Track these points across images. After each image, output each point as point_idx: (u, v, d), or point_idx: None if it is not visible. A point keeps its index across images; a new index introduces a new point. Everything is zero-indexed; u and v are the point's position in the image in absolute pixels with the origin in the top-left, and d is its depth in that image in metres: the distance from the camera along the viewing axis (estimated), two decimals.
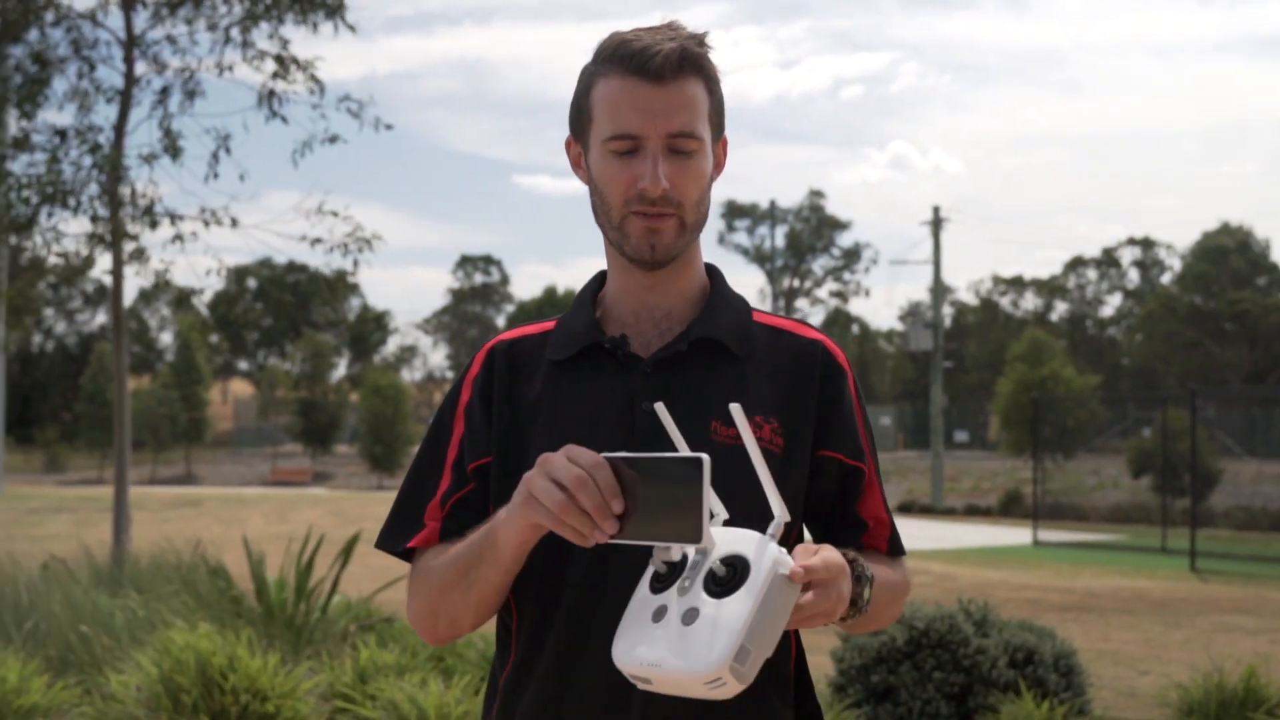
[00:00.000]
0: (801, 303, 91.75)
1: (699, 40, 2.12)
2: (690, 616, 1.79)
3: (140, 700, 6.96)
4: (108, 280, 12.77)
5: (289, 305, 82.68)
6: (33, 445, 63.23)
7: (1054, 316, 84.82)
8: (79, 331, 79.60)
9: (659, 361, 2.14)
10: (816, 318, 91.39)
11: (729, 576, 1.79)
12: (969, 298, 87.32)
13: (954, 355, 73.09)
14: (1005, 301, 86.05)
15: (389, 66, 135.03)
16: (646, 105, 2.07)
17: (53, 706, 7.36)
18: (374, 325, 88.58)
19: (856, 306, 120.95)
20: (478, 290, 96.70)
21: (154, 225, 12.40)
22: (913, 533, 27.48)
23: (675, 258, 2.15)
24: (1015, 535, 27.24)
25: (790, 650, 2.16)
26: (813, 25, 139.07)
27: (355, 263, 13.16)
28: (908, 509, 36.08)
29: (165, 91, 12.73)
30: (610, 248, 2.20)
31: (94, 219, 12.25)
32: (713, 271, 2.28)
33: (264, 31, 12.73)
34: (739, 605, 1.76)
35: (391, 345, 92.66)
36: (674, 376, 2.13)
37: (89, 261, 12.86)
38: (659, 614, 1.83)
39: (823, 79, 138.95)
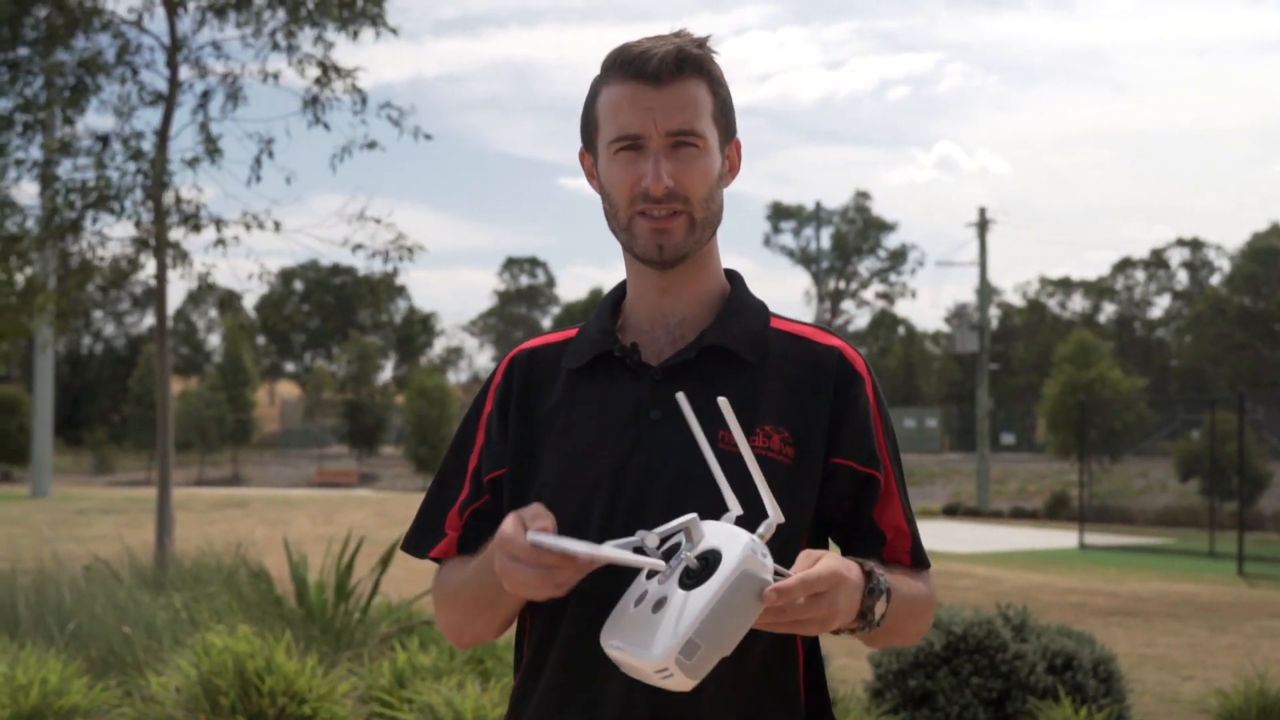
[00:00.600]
0: (847, 304, 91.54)
1: (699, 43, 2.15)
2: (659, 605, 1.82)
3: (179, 702, 7.00)
4: (155, 283, 12.87)
5: (329, 306, 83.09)
6: (82, 447, 63.74)
7: (1102, 318, 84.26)
8: (127, 334, 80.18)
9: (668, 370, 2.15)
10: (862, 319, 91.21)
11: (700, 570, 1.81)
12: (1016, 299, 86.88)
13: (1000, 357, 72.74)
14: (1053, 303, 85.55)
15: (435, 69, 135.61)
16: (646, 105, 2.10)
17: (93, 708, 7.41)
18: (420, 327, 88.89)
19: (903, 308, 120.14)
20: (523, 292, 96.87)
21: (198, 229, 12.48)
22: (957, 535, 27.43)
23: (686, 257, 2.15)
24: (1061, 538, 27.08)
25: (798, 662, 2.14)
26: (859, 26, 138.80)
27: (395, 270, 13.23)
28: (953, 511, 35.94)
29: (206, 95, 12.80)
30: (626, 253, 2.22)
31: (138, 223, 12.34)
32: (733, 277, 2.28)
33: (308, 36, 12.80)
34: (697, 600, 1.78)
35: (438, 347, 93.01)
36: (682, 385, 2.10)
37: (135, 266, 12.95)
38: (640, 599, 1.87)
39: (869, 80, 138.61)
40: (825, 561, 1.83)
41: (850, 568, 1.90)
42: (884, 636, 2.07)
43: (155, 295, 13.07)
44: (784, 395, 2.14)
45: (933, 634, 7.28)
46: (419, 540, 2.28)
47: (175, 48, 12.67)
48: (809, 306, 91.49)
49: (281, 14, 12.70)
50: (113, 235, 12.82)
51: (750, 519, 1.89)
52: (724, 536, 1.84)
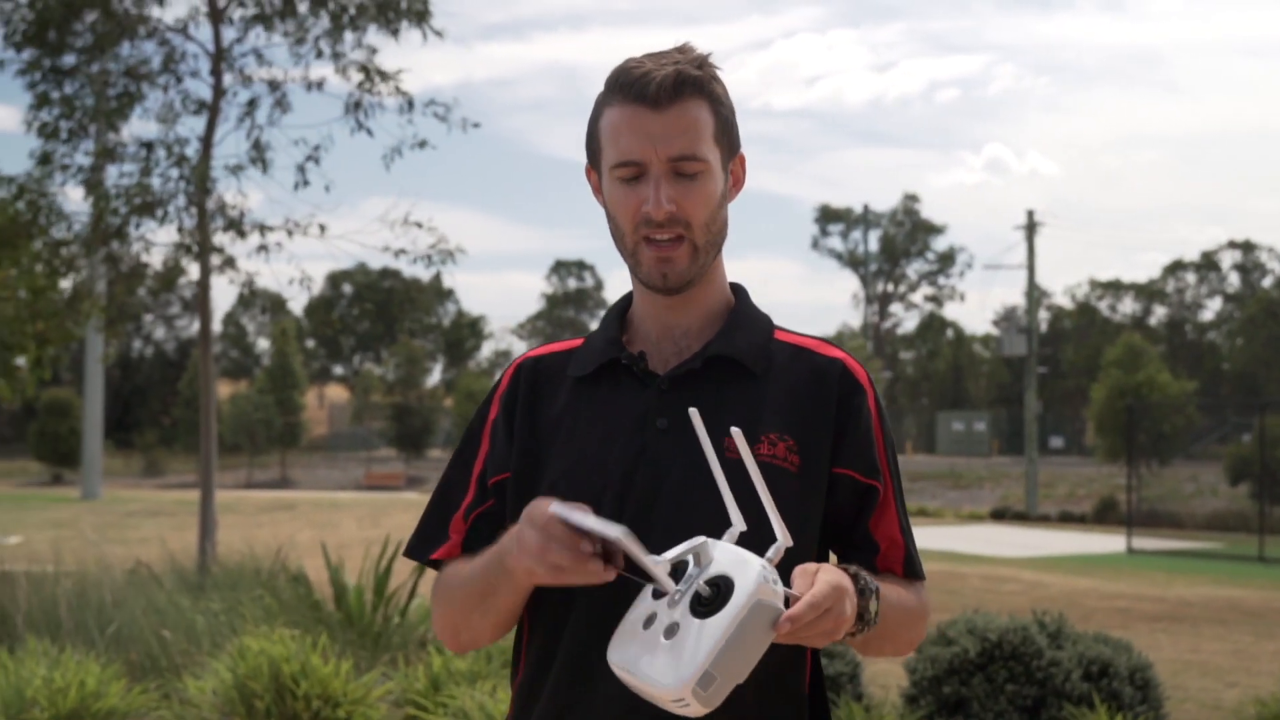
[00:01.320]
0: (896, 307, 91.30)
1: (699, 62, 2.14)
2: (671, 631, 1.82)
3: (215, 705, 7.05)
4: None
5: (370, 312, 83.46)
6: (132, 449, 64.26)
7: (1152, 321, 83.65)
8: (177, 337, 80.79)
9: (674, 379, 2.16)
10: (910, 322, 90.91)
11: (712, 598, 1.81)
12: (1065, 302, 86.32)
13: (1049, 360, 72.29)
14: (1103, 306, 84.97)
15: (485, 73, 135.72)
16: (646, 131, 2.10)
17: (130, 710, 7.46)
18: (469, 330, 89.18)
19: (951, 311, 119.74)
20: (572, 295, 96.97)
21: (243, 235, 12.55)
22: (1004, 540, 27.31)
23: (691, 283, 2.17)
24: (1109, 543, 26.91)
25: (805, 667, 2.16)
26: (908, 28, 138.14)
27: (438, 273, 13.29)
28: (1000, 515, 35.78)
29: (253, 103, 12.88)
30: (630, 273, 2.23)
31: (181, 229, 12.44)
32: (737, 290, 2.30)
33: (350, 42, 12.86)
34: (712, 631, 1.78)
35: (486, 350, 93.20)
36: (688, 394, 2.13)
37: (177, 271, 13.05)
38: (649, 620, 1.87)
39: (918, 82, 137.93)
40: (824, 576, 1.85)
41: (843, 575, 1.91)
42: (876, 643, 2.09)
43: (200, 300, 13.15)
44: (788, 405, 2.15)
45: (967, 640, 7.25)
46: (422, 545, 2.29)
47: (220, 56, 12.76)
48: (857, 309, 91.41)
49: (325, 20, 12.76)
50: (156, 241, 12.91)
51: (755, 533, 1.90)
52: (733, 561, 1.84)
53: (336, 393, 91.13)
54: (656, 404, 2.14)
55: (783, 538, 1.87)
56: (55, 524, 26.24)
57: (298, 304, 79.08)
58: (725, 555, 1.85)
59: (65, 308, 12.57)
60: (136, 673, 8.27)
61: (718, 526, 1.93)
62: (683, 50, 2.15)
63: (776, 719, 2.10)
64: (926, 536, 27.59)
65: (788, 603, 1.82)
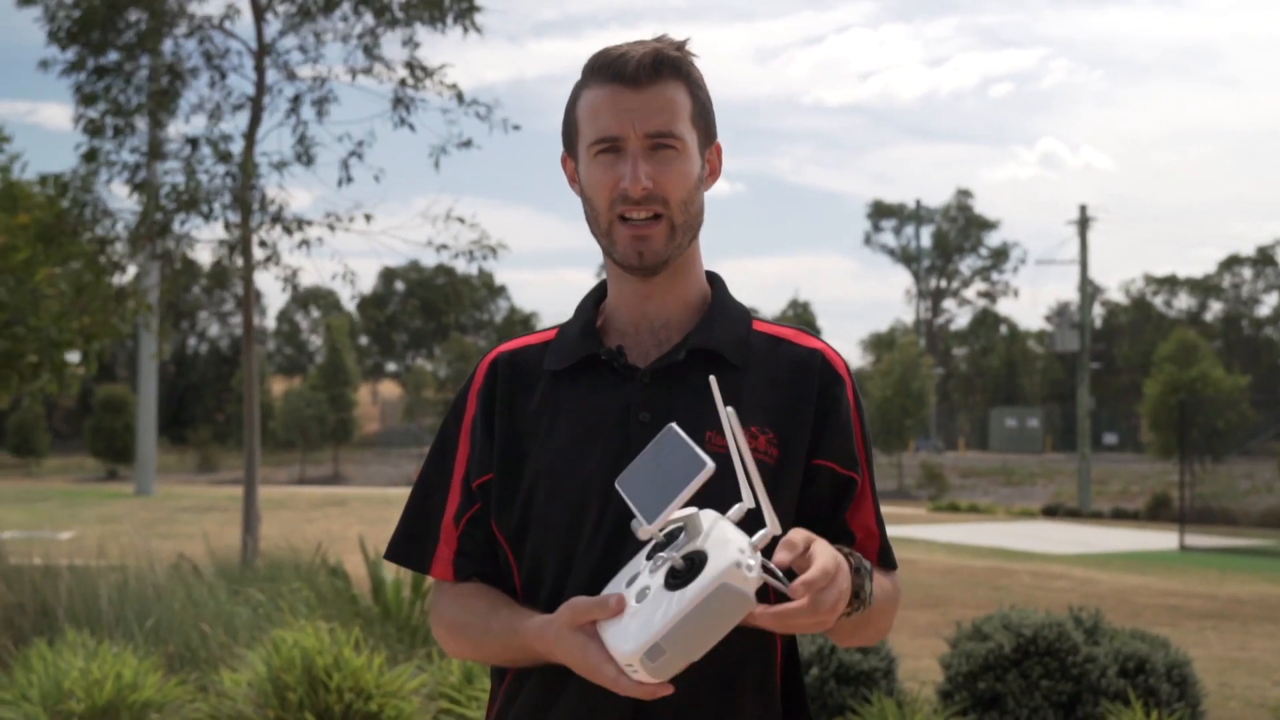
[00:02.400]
0: (949, 303, 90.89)
1: (678, 46, 2.15)
2: (642, 595, 1.84)
3: (249, 698, 7.08)
4: (258, 283, 13.10)
5: (417, 308, 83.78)
6: (186, 445, 64.77)
7: (1208, 316, 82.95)
8: (231, 334, 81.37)
9: (656, 372, 2.15)
10: (963, 318, 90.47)
11: (684, 571, 1.82)
12: (1120, 297, 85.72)
13: (1103, 356, 71.78)
14: (1158, 301, 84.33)
15: (536, 70, 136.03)
16: (624, 107, 2.10)
17: (166, 702, 7.51)
18: (521, 328, 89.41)
19: (1005, 307, 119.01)
20: None
21: (289, 232, 12.60)
22: (1056, 536, 27.10)
23: (667, 263, 2.16)
24: (1162, 540, 26.65)
25: (776, 660, 2.14)
26: (961, 22, 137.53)
27: (484, 270, 13.30)
28: (1053, 512, 35.53)
29: (298, 99, 12.92)
30: (606, 258, 2.22)
31: (226, 225, 12.49)
32: (714, 280, 2.29)
33: (395, 38, 12.88)
34: (673, 605, 1.79)
35: None
36: (671, 387, 2.13)
37: (232, 269, 13.12)
38: (632, 579, 1.89)
39: (971, 77, 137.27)
40: (819, 561, 1.83)
41: (835, 553, 1.89)
42: (859, 630, 2.10)
43: (244, 297, 13.22)
44: (769, 397, 2.15)
45: (1003, 636, 7.19)
46: (408, 550, 2.29)
47: (263, 52, 12.81)
48: (910, 306, 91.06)
49: (369, 17, 12.79)
50: (201, 237, 12.98)
51: (741, 527, 1.88)
52: (717, 540, 1.83)
53: (389, 389, 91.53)
54: (639, 398, 2.13)
55: (771, 525, 1.86)
56: (107, 520, 26.46)
57: (351, 300, 79.28)
58: (714, 531, 1.85)
59: (111, 304, 12.65)
60: (174, 665, 8.32)
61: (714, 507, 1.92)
62: (659, 39, 2.16)
63: (745, 713, 2.08)
64: (976, 533, 27.45)
65: (773, 588, 1.82)
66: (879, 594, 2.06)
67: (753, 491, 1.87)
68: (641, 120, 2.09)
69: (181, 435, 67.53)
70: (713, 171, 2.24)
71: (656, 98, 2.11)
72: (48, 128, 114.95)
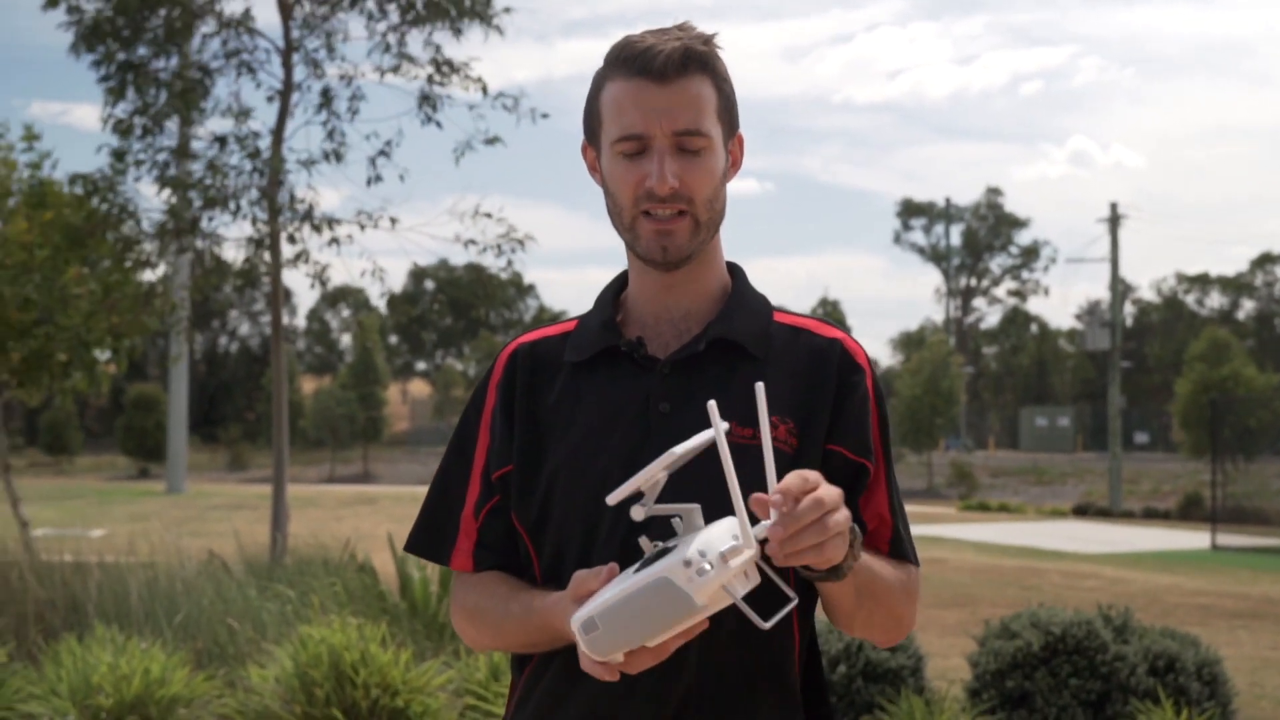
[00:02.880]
0: (979, 302, 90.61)
1: (705, 39, 2.13)
2: (623, 579, 1.87)
3: (276, 693, 7.10)
4: (287, 282, 13.13)
5: (446, 305, 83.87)
6: (217, 444, 64.99)
7: (1240, 315, 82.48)
8: (262, 333, 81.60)
9: (676, 363, 2.14)
10: (994, 317, 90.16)
11: (652, 558, 1.84)
12: (1151, 296, 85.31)
13: (1134, 355, 71.48)
14: (1190, 299, 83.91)
15: (565, 69, 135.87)
16: (651, 104, 2.08)
17: (194, 697, 7.54)
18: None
19: (1035, 305, 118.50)
20: None
21: (317, 230, 12.61)
22: (1086, 536, 26.99)
23: (690, 258, 2.15)
24: (1194, 539, 26.51)
25: (794, 652, 2.13)
26: (991, 21, 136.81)
27: (512, 267, 13.30)
28: (1083, 512, 35.37)
29: (327, 94, 12.92)
30: (628, 250, 2.21)
31: (254, 223, 12.52)
32: (735, 270, 2.28)
33: (419, 37, 12.88)
34: (618, 585, 1.82)
35: None
36: (691, 378, 2.13)
37: (258, 269, 13.15)
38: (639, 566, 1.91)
39: (1001, 75, 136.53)
40: (802, 472, 1.82)
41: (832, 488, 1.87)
42: (865, 611, 2.08)
43: (272, 295, 13.25)
44: (789, 387, 2.14)
45: (1031, 634, 7.16)
46: (429, 542, 2.30)
47: (289, 49, 12.83)
48: (940, 304, 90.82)
49: (394, 15, 12.79)
50: (228, 235, 13.02)
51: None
52: (690, 537, 1.82)
53: (419, 388, 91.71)
54: (659, 388, 2.13)
55: (743, 540, 1.80)
56: (138, 517, 26.57)
57: (380, 298, 79.49)
58: (699, 529, 1.84)
59: (140, 302, 12.70)
60: (203, 661, 8.36)
61: (724, 511, 1.89)
62: (683, 28, 2.13)
63: (763, 707, 2.07)
64: (1006, 532, 27.36)
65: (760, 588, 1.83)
66: (878, 576, 2.05)
67: (736, 502, 1.83)
68: (668, 119, 2.07)
69: (212, 434, 67.77)
70: (735, 163, 2.22)
71: (684, 94, 2.08)
72: (79, 128, 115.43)
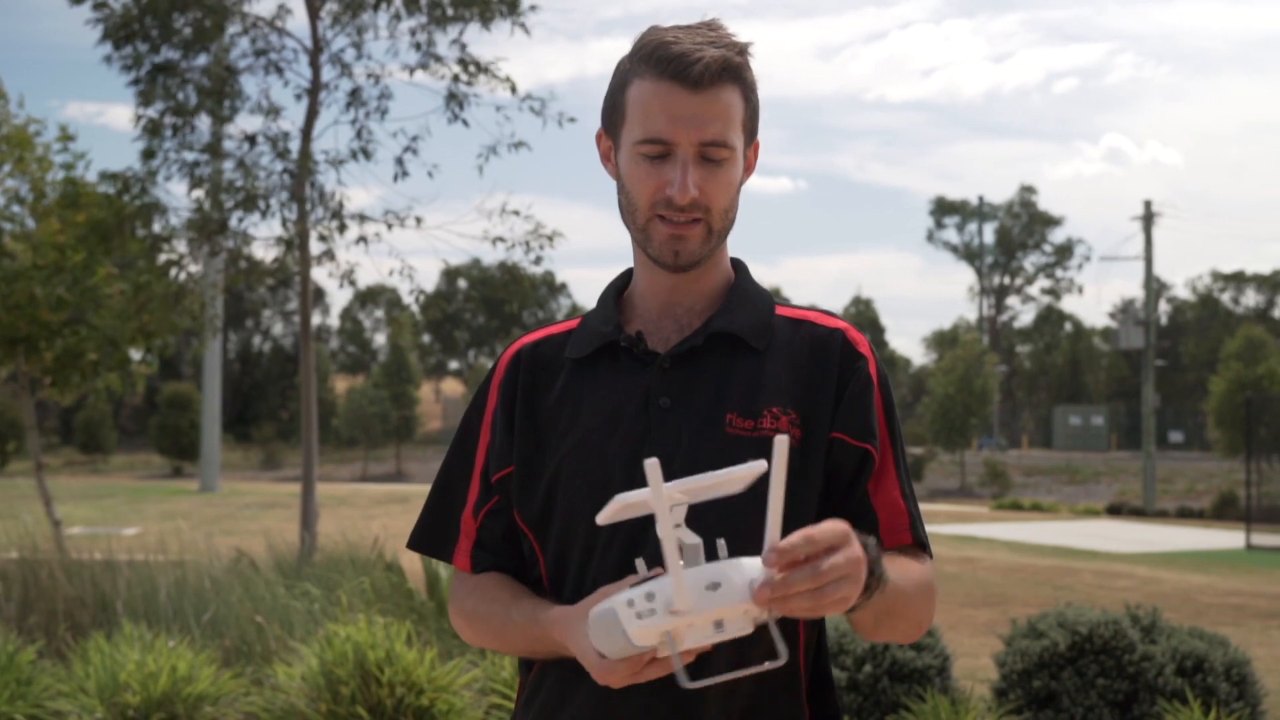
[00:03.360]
0: (1012, 300, 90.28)
1: (740, 49, 2.09)
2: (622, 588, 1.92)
3: (302, 691, 7.12)
4: (320, 281, 13.18)
5: (476, 300, 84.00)
6: (250, 443, 65.32)
7: (1276, 313, 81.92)
8: (295, 332, 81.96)
9: (676, 357, 2.14)
10: (1027, 315, 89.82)
11: (640, 580, 1.86)
12: (1186, 294, 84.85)
13: (1169, 353, 71.11)
14: (1225, 297, 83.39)
15: (599, 68, 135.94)
16: (680, 112, 2.05)
17: (220, 695, 7.56)
18: None
19: (1069, 304, 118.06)
20: None
21: (343, 229, 12.64)
22: (1119, 535, 26.83)
23: (700, 263, 2.14)
24: (1228, 539, 26.34)
25: (799, 651, 2.12)
26: (1025, 18, 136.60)
27: (538, 260, 13.31)
28: (1116, 511, 35.23)
29: (356, 93, 12.94)
30: (636, 247, 2.20)
31: (283, 223, 12.56)
32: (738, 266, 2.27)
33: (446, 37, 12.88)
34: (620, 593, 1.82)
35: None
36: (691, 371, 2.12)
37: (285, 267, 13.19)
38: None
39: (1035, 72, 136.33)
40: (806, 529, 1.72)
41: (838, 524, 1.77)
42: (889, 621, 2.02)
43: (301, 294, 13.29)
44: (790, 378, 2.13)
45: (1057, 634, 7.12)
46: (431, 539, 2.31)
47: (317, 49, 12.86)
48: (973, 302, 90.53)
49: (421, 15, 12.80)
50: (258, 235, 13.05)
51: (759, 512, 1.80)
52: (679, 574, 1.75)
53: (451, 387, 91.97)
54: (659, 383, 2.12)
55: (739, 599, 1.73)
56: (171, 516, 26.67)
57: (411, 298, 79.76)
58: (699, 565, 1.78)
59: (170, 302, 12.75)
60: (230, 659, 8.38)
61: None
62: (713, 27, 2.11)
63: (768, 702, 2.06)
64: (1039, 532, 27.22)
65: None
66: (905, 581, 2.00)
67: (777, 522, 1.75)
68: (696, 128, 2.05)
69: (246, 433, 68.13)
70: (749, 168, 2.20)
71: (715, 105, 2.06)
72: (115, 128, 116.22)
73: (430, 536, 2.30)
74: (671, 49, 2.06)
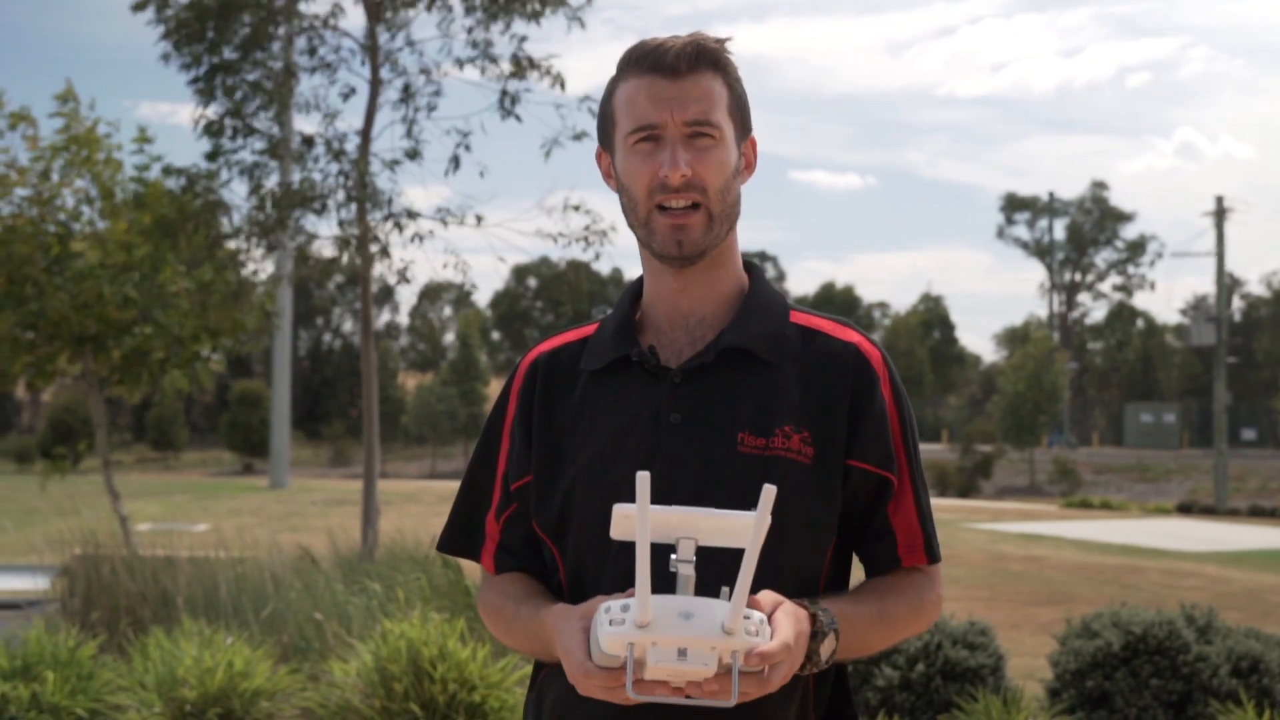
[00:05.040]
0: (1083, 297, 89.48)
1: (717, 40, 2.17)
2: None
3: (357, 687, 7.18)
4: (388, 279, 13.23)
5: (544, 294, 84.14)
6: (320, 440, 65.77)
7: None
8: None
9: (687, 373, 2.16)
10: (1099, 312, 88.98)
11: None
12: (1260, 290, 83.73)
13: (1241, 350, 70.24)
14: None
15: None
16: (663, 96, 2.12)
17: (277, 690, 7.64)
18: None
19: (1141, 300, 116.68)
20: None
21: (400, 228, 12.71)
22: (1190, 534, 26.55)
23: (704, 253, 2.16)
24: None
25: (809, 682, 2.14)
26: (1096, 12, 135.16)
27: (597, 255, 13.34)
28: (1187, 509, 34.85)
29: (408, 90, 13.01)
30: (643, 250, 2.22)
31: (340, 224, 12.66)
32: (752, 269, 2.28)
33: (498, 33, 12.93)
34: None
35: None
36: (702, 388, 2.15)
37: (336, 267, 13.28)
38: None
39: (1107, 67, 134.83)
40: (780, 634, 1.86)
41: (799, 618, 1.92)
42: (855, 654, 2.12)
43: (361, 293, 13.38)
44: (802, 394, 2.14)
45: (1111, 634, 7.08)
46: (459, 541, 2.36)
47: (375, 49, 12.94)
48: (1044, 299, 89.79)
49: (480, 13, 12.85)
50: (320, 234, 13.15)
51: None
52: (645, 585, 1.79)
53: None
54: (670, 399, 2.14)
55: (706, 633, 1.79)
56: (240, 512, 26.96)
57: (483, 296, 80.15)
58: (684, 594, 1.84)
59: (233, 300, 12.87)
60: (288, 654, 8.46)
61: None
62: (694, 35, 2.18)
63: (775, 710, 2.07)
64: (1108, 530, 26.98)
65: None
66: (873, 631, 2.10)
67: (746, 585, 1.81)
68: (680, 108, 2.11)
69: (316, 430, 68.59)
70: (748, 165, 2.24)
71: (695, 87, 2.12)
72: (187, 128, 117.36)
73: (458, 538, 2.35)
74: (647, 46, 2.15)
